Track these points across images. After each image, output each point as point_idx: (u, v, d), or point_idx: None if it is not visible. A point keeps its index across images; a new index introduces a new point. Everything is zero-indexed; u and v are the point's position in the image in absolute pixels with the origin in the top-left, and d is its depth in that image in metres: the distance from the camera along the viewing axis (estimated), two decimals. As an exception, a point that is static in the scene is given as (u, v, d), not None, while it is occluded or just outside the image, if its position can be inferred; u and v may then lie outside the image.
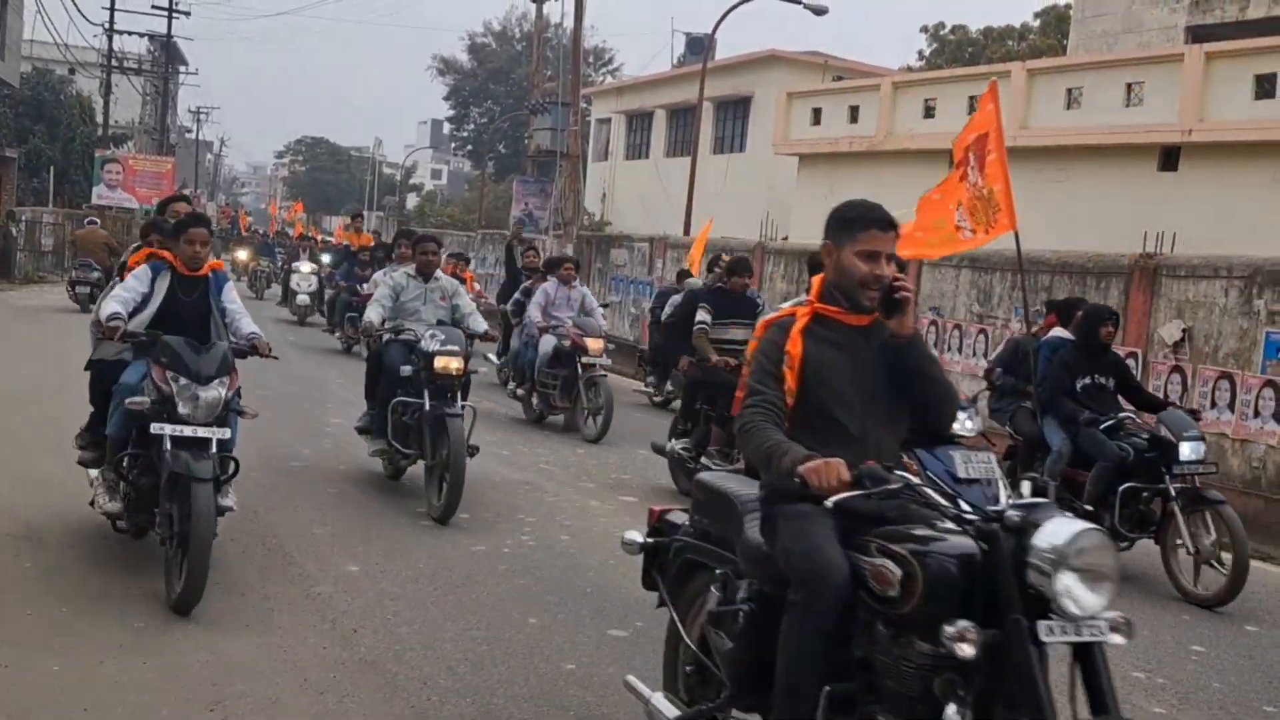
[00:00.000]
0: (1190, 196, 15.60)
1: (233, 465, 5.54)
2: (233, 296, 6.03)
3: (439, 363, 7.44)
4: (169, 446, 5.18)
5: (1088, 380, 7.81)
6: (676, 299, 11.51)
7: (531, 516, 7.65)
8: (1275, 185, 14.75)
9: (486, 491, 8.30)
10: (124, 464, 5.53)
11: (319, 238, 30.81)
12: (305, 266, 22.58)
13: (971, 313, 13.18)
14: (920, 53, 39.29)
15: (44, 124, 37.03)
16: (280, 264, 29.01)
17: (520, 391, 12.16)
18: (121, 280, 6.06)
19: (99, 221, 24.16)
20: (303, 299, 21.79)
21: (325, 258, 22.91)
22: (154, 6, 43.64)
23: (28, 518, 6.39)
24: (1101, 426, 7.57)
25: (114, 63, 42.40)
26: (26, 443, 8.38)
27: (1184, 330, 10.68)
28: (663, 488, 9.02)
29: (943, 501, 3.20)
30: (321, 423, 10.59)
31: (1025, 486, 3.21)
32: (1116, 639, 3.00)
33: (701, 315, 8.80)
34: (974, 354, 12.97)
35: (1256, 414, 9.94)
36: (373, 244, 18.55)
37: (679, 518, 4.08)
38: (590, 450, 10.69)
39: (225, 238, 46.78)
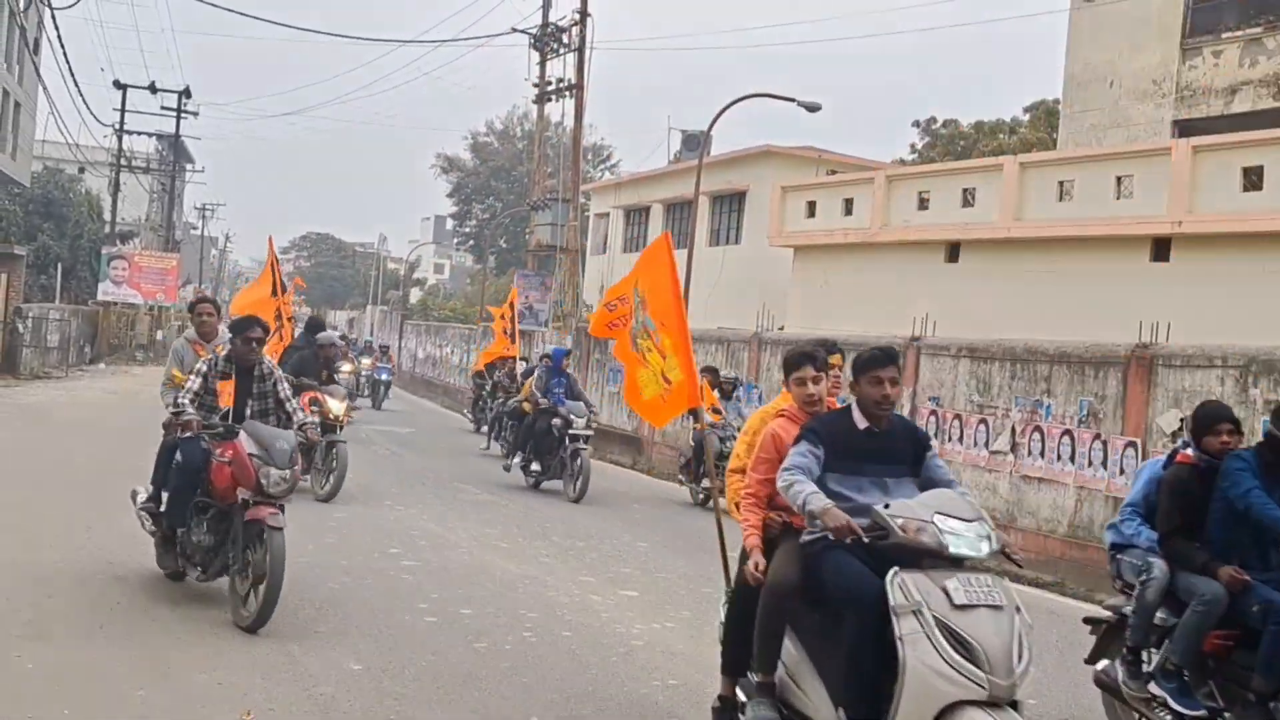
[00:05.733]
0: (1183, 286, 15.77)
1: None
2: None
3: None
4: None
5: None
6: None
7: (533, 612, 7.62)
8: (1266, 275, 14.92)
9: (487, 586, 8.28)
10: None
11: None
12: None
13: (971, 402, 13.26)
14: (913, 145, 40.04)
15: (53, 221, 37.59)
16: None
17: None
18: None
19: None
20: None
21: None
22: (163, 107, 44.70)
23: (29, 616, 6.38)
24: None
25: (123, 162, 43.20)
26: (31, 537, 8.39)
27: (1181, 419, 10.74)
28: (668, 580, 9.00)
29: None
30: (326, 516, 10.58)
31: None
32: None
33: None
34: (974, 444, 13.02)
35: (1257, 502, 9.92)
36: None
37: None
38: (591, 543, 10.68)
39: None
